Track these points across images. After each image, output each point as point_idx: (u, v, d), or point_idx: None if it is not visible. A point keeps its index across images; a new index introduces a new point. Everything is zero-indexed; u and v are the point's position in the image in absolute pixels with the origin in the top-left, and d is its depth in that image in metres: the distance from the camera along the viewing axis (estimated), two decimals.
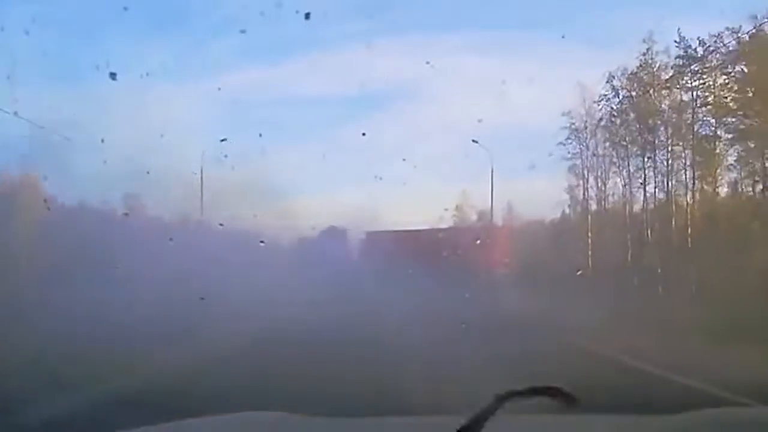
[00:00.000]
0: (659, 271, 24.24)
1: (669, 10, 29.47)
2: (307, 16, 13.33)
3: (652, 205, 27.02)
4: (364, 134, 35.98)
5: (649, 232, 26.75)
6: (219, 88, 38.98)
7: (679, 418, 2.83)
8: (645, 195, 26.67)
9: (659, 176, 26.05)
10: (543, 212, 34.90)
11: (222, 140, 25.04)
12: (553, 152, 27.72)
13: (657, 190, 26.15)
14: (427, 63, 35.26)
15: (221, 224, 23.74)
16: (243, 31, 39.88)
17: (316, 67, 48.66)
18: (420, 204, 48.68)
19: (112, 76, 16.25)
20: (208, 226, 27.43)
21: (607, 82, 25.96)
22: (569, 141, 28.91)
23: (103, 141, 22.00)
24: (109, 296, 16.58)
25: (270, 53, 49.39)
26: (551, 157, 28.83)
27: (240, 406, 3.13)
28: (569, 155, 29.37)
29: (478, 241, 28.94)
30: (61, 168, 26.90)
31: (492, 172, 29.71)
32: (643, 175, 26.67)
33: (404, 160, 30.47)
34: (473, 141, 26.80)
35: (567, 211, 32.50)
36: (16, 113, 18.87)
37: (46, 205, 26.11)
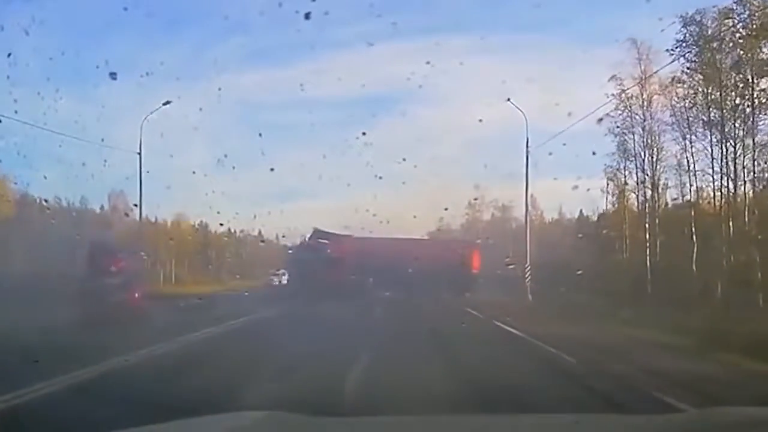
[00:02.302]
0: (759, 276, 17.71)
1: None
2: (307, 16, 12.89)
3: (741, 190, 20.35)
4: (364, 133, 37.09)
5: (730, 226, 20.20)
6: (219, 88, 40.62)
7: (680, 417, 3.21)
8: (727, 177, 20.09)
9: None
10: (576, 206, 31.48)
11: (165, 103, 24.70)
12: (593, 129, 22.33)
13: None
14: (428, 63, 35.75)
15: (221, 224, 24.62)
16: (243, 32, 40.40)
17: (316, 67, 48.31)
18: (421, 204, 47.21)
19: (113, 75, 17.04)
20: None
21: (684, 26, 19.64)
22: (618, 112, 22.86)
23: (103, 140, 25.47)
24: None
25: (270, 53, 52.15)
26: (586, 137, 24.97)
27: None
28: (618, 129, 23.30)
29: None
30: (61, 167, 32.02)
31: (527, 142, 24.39)
32: (720, 150, 20.12)
33: (404, 159, 30.35)
34: (507, 100, 22.60)
35: (611, 199, 26.68)
36: (15, 112, 19.61)
37: (46, 206, 29.08)
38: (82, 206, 35.68)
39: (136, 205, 30.29)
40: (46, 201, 31.79)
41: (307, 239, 28.14)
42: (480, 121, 30.95)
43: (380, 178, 31.43)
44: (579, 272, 24.35)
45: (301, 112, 51.62)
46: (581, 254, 29.10)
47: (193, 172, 58.07)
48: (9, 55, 16.53)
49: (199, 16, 46.62)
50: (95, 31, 43.53)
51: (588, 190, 34.29)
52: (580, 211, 33.86)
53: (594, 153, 23.84)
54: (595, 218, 30.33)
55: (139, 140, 26.38)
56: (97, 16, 42.76)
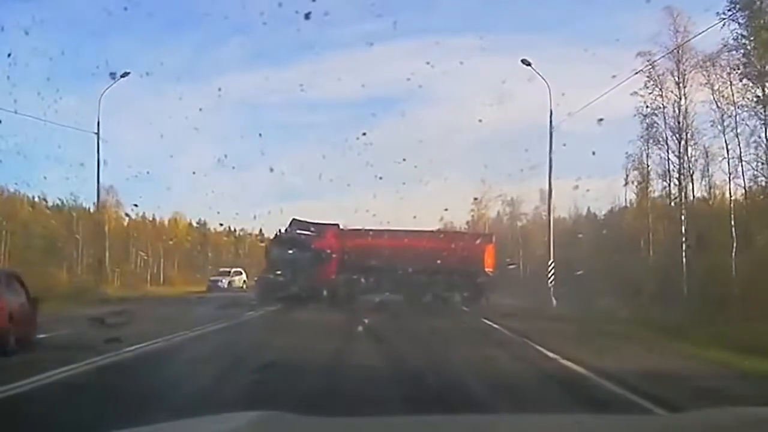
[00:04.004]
0: None
1: None
2: (307, 16, 12.37)
3: None
4: (364, 133, 37.84)
5: None
6: (219, 88, 40.66)
7: (680, 417, 3.01)
8: None
9: None
10: (584, 203, 29.81)
11: (123, 75, 24.20)
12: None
13: None
14: (428, 63, 37.99)
15: (221, 224, 23.73)
16: (243, 32, 40.54)
17: (316, 67, 48.52)
18: (422, 204, 45.84)
19: (112, 75, 16.83)
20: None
21: None
22: (647, 89, 20.49)
23: (103, 141, 24.78)
24: None
25: (270, 53, 51.43)
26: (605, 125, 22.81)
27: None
28: (647, 109, 20.91)
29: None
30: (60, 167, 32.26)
31: (551, 115, 22.01)
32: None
33: (404, 159, 30.21)
34: (522, 62, 20.45)
35: (633, 190, 24.36)
36: (16, 112, 19.20)
37: (45, 205, 29.28)
38: (77, 204, 34.74)
39: (136, 205, 30.14)
40: (45, 200, 31.39)
41: (284, 231, 24.77)
42: (480, 121, 30.08)
43: (380, 178, 31.90)
44: (579, 272, 22.74)
45: (301, 112, 51.19)
46: (597, 253, 26.70)
47: (193, 172, 57.67)
48: (9, 55, 16.63)
49: (199, 16, 46.49)
50: (95, 31, 43.87)
51: (588, 190, 32.89)
52: (588, 208, 32.19)
53: (594, 153, 21.87)
54: (616, 213, 28.25)
55: (97, 120, 25.32)
56: (97, 16, 43.07)
